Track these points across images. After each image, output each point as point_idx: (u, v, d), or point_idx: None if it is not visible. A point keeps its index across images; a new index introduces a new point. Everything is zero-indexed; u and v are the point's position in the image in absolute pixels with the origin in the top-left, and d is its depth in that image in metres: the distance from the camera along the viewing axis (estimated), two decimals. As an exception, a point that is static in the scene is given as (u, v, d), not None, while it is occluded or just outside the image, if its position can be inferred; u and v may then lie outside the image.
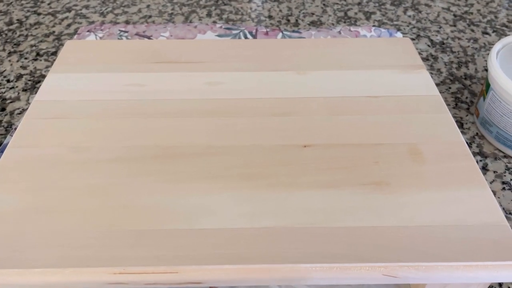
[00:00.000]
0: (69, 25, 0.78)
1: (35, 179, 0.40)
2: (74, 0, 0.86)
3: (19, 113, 0.59)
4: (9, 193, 0.39)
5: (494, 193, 0.51)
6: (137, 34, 0.69)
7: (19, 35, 0.75)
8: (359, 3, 0.86)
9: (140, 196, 0.39)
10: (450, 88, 0.65)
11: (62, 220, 0.37)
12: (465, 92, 0.64)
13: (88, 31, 0.71)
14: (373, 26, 0.79)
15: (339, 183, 0.40)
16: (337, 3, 0.86)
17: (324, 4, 0.84)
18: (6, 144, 0.53)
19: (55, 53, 0.71)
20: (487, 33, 0.77)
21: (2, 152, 0.52)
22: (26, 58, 0.70)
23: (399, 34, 0.68)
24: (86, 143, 0.44)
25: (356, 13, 0.83)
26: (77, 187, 0.39)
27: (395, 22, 0.80)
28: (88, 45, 0.57)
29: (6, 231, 0.36)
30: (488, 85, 0.54)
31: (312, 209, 0.38)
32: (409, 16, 0.82)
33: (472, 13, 0.83)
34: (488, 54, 0.72)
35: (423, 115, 0.47)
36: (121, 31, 0.70)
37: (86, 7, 0.84)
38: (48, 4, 0.85)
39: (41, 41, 0.74)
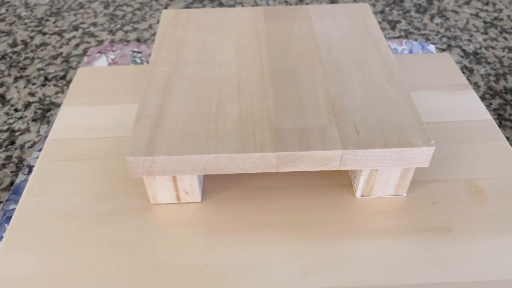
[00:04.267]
0: (77, 45, 0.74)
1: (53, 237, 0.36)
2: (81, 17, 0.82)
3: (30, 147, 0.55)
4: (24, 253, 0.35)
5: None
6: (151, 55, 0.64)
7: (25, 58, 0.71)
8: (381, 12, 0.81)
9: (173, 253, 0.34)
10: (491, 104, 0.60)
11: (84, 286, 0.33)
12: (507, 109, 0.59)
13: (98, 52, 0.67)
14: (402, 37, 0.74)
15: (395, 231, 0.36)
16: (359, 12, 0.81)
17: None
18: (19, 184, 0.49)
19: (64, 77, 0.67)
20: (522, 41, 0.72)
21: (14, 193, 0.48)
22: (33, 84, 0.65)
23: (431, 47, 0.63)
24: (107, 189, 0.39)
25: (380, 22, 0.78)
26: (100, 244, 0.35)
27: (423, 32, 0.76)
28: (102, 72, 0.53)
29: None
30: (540, 105, 0.50)
31: (368, 265, 0.34)
32: (437, 24, 0.77)
33: (502, 19, 0.79)
34: (526, 64, 0.67)
35: (478, 144, 0.43)
36: (134, 51, 0.65)
37: (94, 24, 0.80)
38: (54, 22, 0.80)
39: (48, 64, 0.69)
